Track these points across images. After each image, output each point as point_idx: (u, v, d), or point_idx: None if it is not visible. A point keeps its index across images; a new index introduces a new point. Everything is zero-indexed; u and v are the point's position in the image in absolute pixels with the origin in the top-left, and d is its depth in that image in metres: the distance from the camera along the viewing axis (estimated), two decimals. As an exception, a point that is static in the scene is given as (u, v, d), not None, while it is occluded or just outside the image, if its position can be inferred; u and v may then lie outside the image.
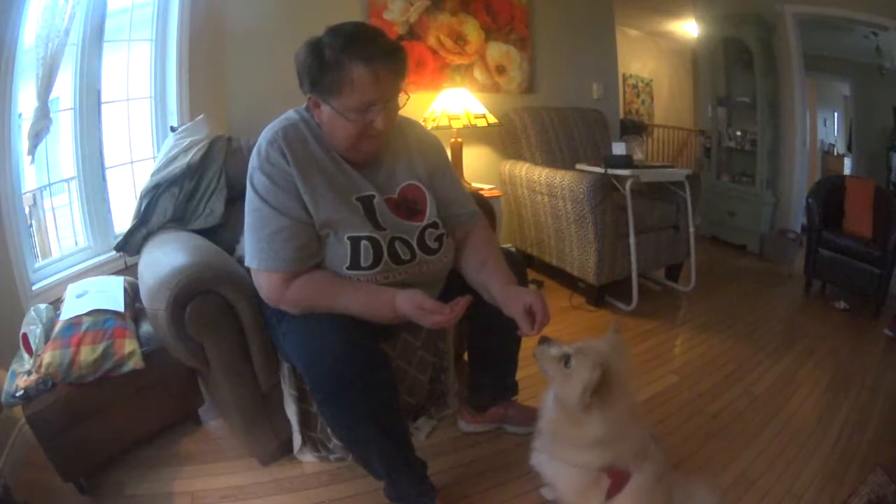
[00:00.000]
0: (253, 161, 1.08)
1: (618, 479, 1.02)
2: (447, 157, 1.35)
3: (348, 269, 1.08)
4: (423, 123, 2.56)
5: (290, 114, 1.13)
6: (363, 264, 1.08)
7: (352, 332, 1.02)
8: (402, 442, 1.14)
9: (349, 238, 1.08)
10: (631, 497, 1.02)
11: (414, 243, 1.15)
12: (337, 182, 1.10)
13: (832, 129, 4.35)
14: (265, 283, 1.07)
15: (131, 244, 1.58)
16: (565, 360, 0.99)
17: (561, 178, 2.48)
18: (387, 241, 1.11)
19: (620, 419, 0.99)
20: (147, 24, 2.00)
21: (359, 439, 1.12)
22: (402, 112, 1.15)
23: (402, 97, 1.09)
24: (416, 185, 1.20)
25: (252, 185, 1.07)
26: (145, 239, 1.55)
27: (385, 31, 1.09)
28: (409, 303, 1.00)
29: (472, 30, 2.88)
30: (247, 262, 1.09)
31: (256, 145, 1.09)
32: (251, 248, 1.07)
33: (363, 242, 1.08)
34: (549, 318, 1.05)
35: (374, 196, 1.13)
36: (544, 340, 1.05)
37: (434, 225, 1.18)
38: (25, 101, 1.54)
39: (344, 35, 1.00)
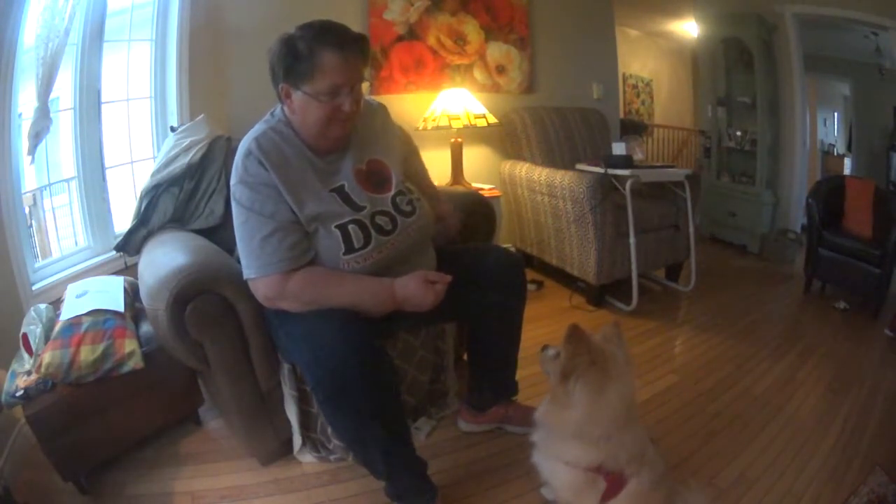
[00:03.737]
0: (233, 178, 1.12)
1: (613, 482, 1.02)
2: (413, 143, 1.51)
3: (344, 254, 1.12)
4: (423, 123, 2.60)
5: (257, 126, 1.17)
6: (356, 246, 1.13)
7: (353, 331, 1.03)
8: (403, 441, 1.14)
9: (337, 227, 1.13)
10: (626, 502, 1.02)
11: (392, 211, 1.21)
12: (311, 178, 1.15)
13: (832, 129, 4.36)
14: (262, 286, 1.10)
15: (131, 244, 1.58)
16: (558, 355, 1.04)
17: (561, 178, 2.47)
18: (369, 219, 1.16)
19: (610, 409, 0.99)
20: (147, 24, 2.00)
21: (360, 438, 1.12)
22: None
23: (364, 85, 1.16)
24: (380, 159, 1.26)
25: (236, 199, 1.11)
26: (145, 239, 1.56)
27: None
28: (413, 280, 1.11)
29: (472, 30, 2.88)
30: (245, 276, 1.11)
31: (234, 164, 1.13)
32: (246, 259, 1.10)
33: (350, 227, 1.14)
34: (456, 220, 1.48)
35: (343, 184, 1.18)
36: (544, 348, 1.13)
37: (401, 192, 1.25)
38: (25, 101, 1.54)
39: (315, 27, 1.09)
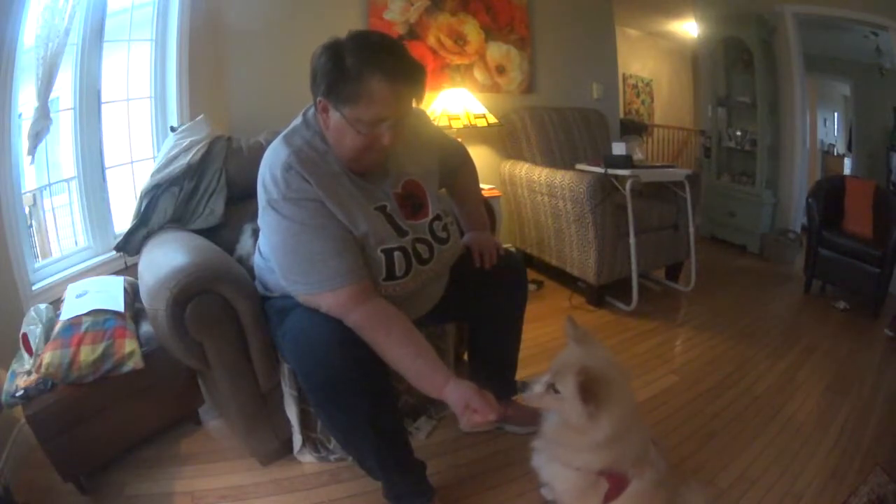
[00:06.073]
0: (271, 194, 1.02)
1: (616, 483, 1.02)
2: (433, 124, 1.50)
3: (384, 280, 1.08)
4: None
5: (290, 136, 1.08)
6: (398, 274, 1.09)
7: (347, 336, 1.00)
8: (398, 444, 1.13)
9: (382, 251, 1.08)
10: (629, 503, 1.02)
11: (429, 238, 1.16)
12: (357, 194, 1.07)
13: (832, 129, 4.35)
14: (328, 302, 1.02)
15: (131, 244, 1.58)
16: (552, 388, 1.00)
17: (561, 178, 2.48)
18: (411, 246, 1.12)
19: (625, 415, 0.98)
20: (147, 24, 2.00)
21: (353, 442, 1.12)
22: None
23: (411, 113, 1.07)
24: (415, 180, 1.20)
25: (281, 214, 1.01)
26: (145, 239, 1.55)
27: (408, 49, 1.05)
28: (459, 401, 0.97)
29: (472, 30, 2.88)
30: (304, 292, 1.03)
31: (268, 177, 1.03)
32: (303, 276, 1.02)
33: (395, 253, 1.09)
34: (495, 253, 1.35)
35: (386, 205, 1.12)
36: (523, 386, 1.05)
37: (438, 217, 1.20)
38: (25, 101, 1.54)
39: (369, 45, 0.97)
